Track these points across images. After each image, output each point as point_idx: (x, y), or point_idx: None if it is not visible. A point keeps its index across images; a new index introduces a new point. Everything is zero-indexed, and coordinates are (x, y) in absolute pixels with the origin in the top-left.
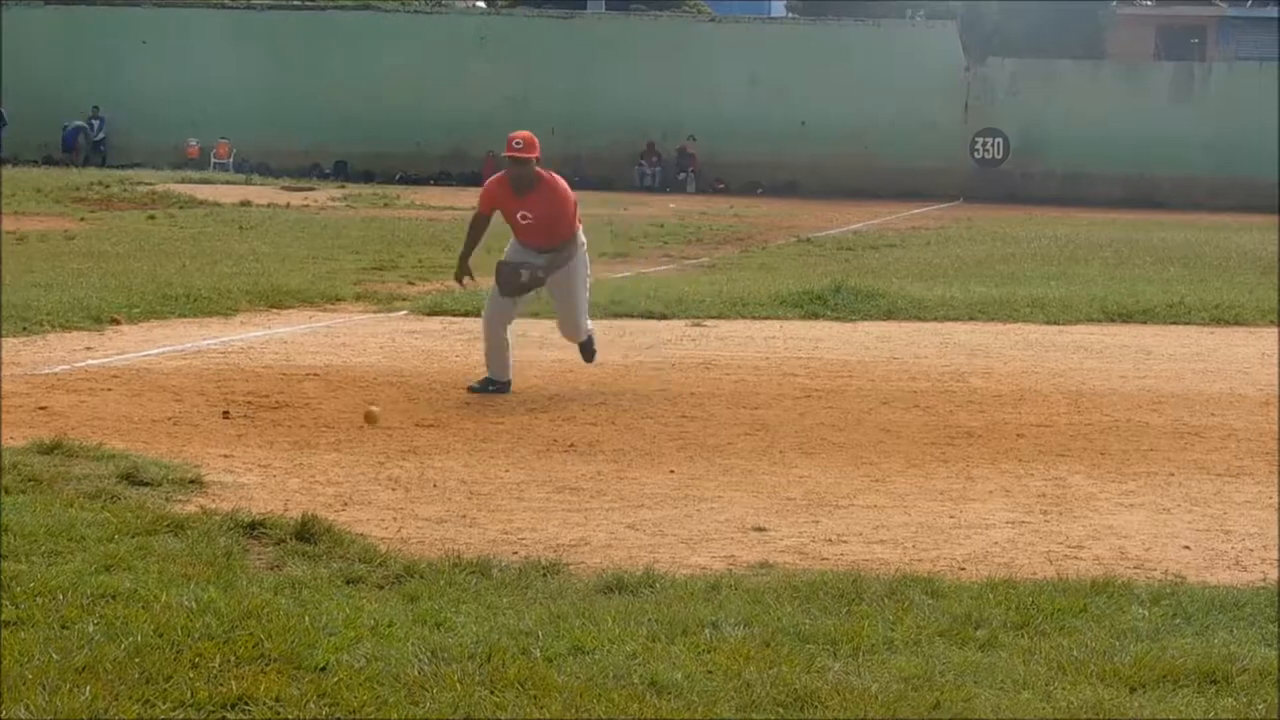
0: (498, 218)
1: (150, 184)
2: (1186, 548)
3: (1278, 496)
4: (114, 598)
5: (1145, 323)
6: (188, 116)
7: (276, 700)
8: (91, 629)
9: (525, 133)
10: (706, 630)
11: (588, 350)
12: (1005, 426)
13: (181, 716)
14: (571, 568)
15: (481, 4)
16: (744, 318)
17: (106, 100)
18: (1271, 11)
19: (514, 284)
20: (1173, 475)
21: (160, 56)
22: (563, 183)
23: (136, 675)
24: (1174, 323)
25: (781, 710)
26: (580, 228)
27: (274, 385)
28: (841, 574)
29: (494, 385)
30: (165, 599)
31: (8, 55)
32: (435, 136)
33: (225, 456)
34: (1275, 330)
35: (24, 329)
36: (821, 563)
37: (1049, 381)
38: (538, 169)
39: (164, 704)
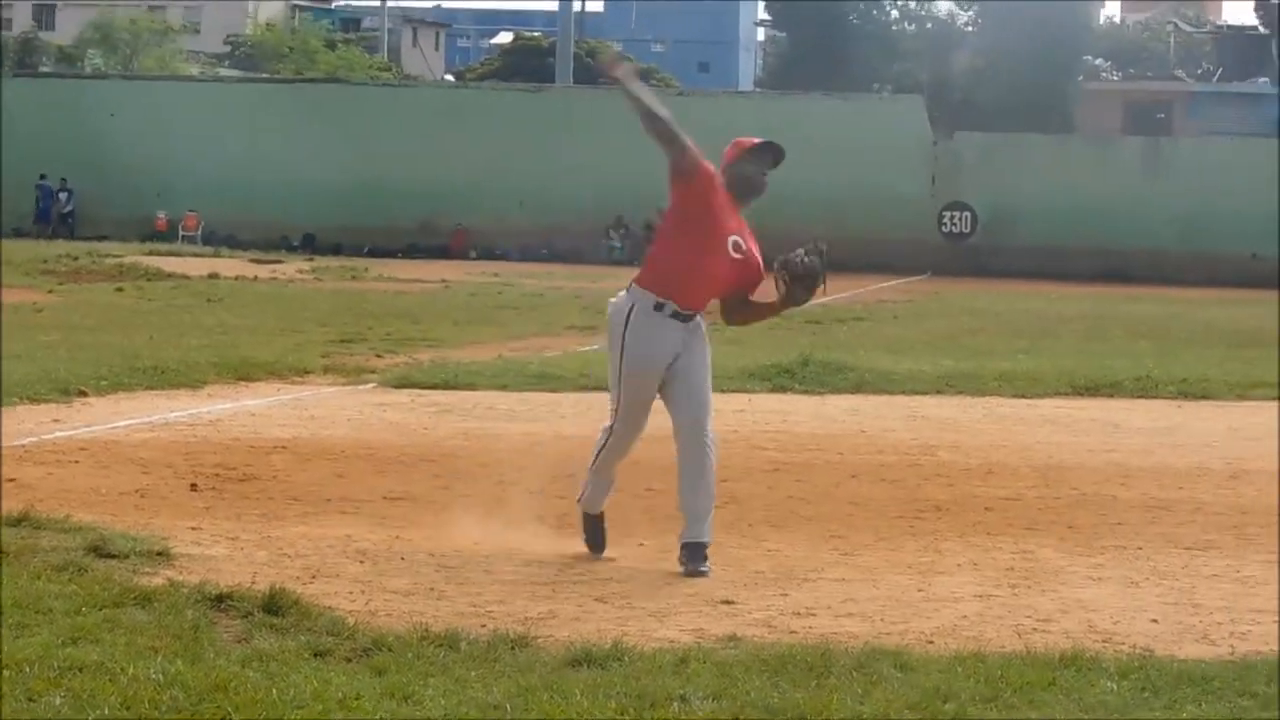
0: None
1: (118, 256)
2: (1155, 621)
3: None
4: (81, 670)
5: (1113, 396)
6: (155, 189)
7: None
8: (59, 702)
9: None
10: (675, 704)
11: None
12: (974, 500)
13: None
14: (540, 641)
15: (450, 78)
16: (713, 391)
17: (74, 172)
18: (1237, 87)
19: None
20: (1141, 549)
21: (128, 129)
22: None
23: None
24: (1142, 396)
25: None
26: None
27: (242, 458)
28: (810, 647)
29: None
30: (133, 672)
31: None
32: (403, 209)
33: (193, 529)
34: (1242, 405)
35: None
36: (790, 636)
37: (1017, 455)
38: None
39: None
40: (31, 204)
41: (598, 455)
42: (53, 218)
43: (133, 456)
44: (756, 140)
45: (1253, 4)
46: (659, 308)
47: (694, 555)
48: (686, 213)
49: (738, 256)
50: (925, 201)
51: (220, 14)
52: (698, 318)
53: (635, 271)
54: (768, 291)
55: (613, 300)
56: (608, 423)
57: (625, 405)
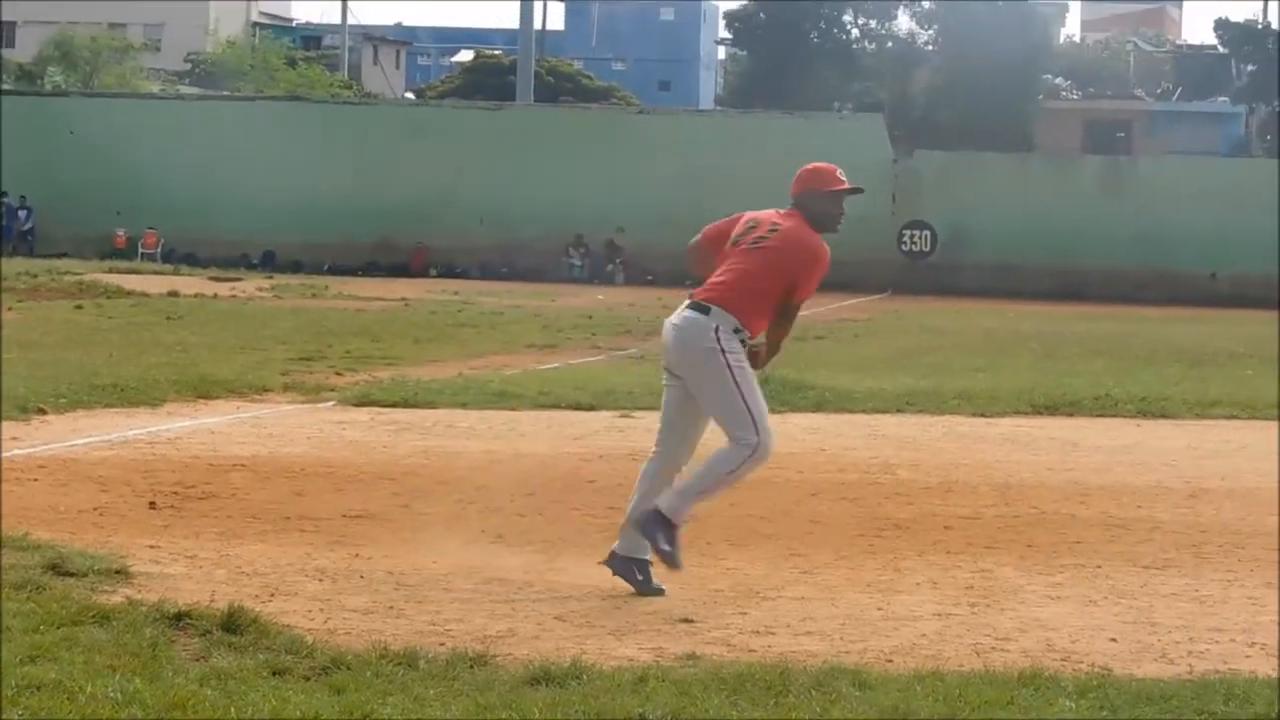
0: None
1: (78, 274)
2: (1113, 640)
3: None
4: (39, 689)
5: (1072, 415)
6: (115, 206)
7: None
8: None
9: None
10: None
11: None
12: (933, 518)
13: None
14: (499, 659)
15: (411, 96)
16: None
17: (33, 190)
18: (1197, 106)
19: None
20: (1100, 567)
21: (88, 146)
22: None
23: None
24: (1101, 415)
25: None
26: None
27: (201, 476)
28: (769, 665)
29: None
30: (91, 690)
31: None
32: (363, 227)
33: (151, 547)
34: (1200, 423)
35: None
36: (749, 654)
37: (977, 473)
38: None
39: None
40: None
41: (736, 469)
42: (13, 235)
43: (91, 474)
44: (841, 179)
45: (1212, 23)
46: (737, 331)
47: (647, 572)
48: (791, 287)
49: None
50: (885, 220)
51: (181, 32)
52: None
53: (595, 289)
54: None
55: (679, 323)
56: (748, 438)
57: (759, 403)
